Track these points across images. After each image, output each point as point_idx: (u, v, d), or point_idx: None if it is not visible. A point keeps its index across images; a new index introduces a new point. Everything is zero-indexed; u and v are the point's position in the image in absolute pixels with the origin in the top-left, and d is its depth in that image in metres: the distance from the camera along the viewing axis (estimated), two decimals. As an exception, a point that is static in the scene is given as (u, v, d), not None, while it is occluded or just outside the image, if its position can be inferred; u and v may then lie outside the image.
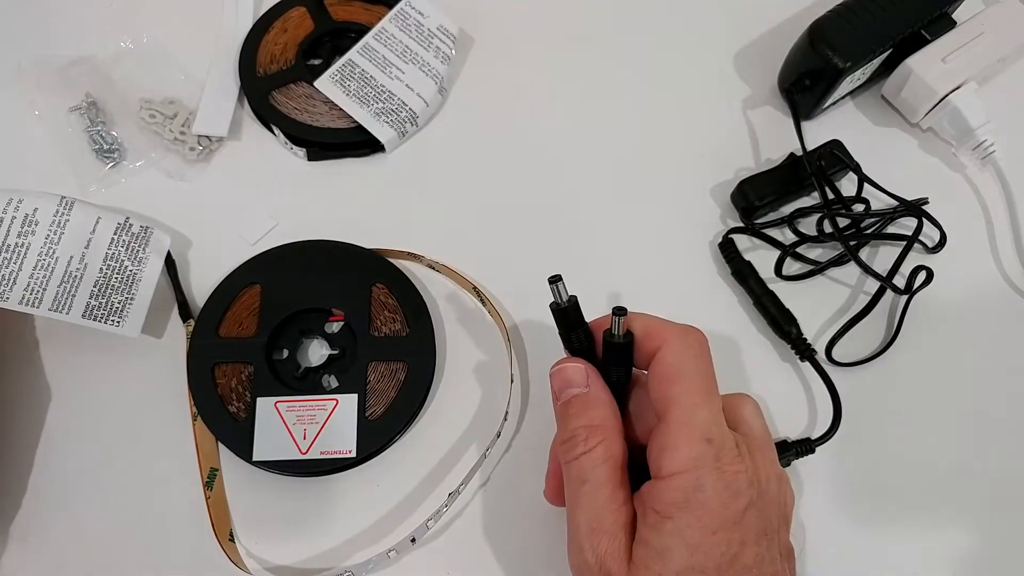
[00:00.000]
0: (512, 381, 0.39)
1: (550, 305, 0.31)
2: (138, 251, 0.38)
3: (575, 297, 0.31)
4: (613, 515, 0.29)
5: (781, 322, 0.40)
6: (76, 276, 0.37)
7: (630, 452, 0.31)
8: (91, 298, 0.37)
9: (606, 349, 0.31)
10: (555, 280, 0.30)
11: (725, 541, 0.27)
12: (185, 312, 0.39)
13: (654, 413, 0.30)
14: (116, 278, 0.37)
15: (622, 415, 0.32)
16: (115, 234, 0.38)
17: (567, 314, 0.31)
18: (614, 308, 0.30)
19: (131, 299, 0.37)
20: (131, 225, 0.39)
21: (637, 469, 0.30)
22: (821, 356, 0.41)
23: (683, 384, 0.29)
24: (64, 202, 0.37)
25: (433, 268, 0.42)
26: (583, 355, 0.32)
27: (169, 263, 0.40)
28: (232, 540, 0.36)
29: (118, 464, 0.37)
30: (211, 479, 0.36)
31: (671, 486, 0.28)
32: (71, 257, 0.37)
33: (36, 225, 0.36)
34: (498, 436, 0.37)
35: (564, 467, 0.31)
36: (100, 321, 0.36)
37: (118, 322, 0.37)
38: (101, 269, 0.37)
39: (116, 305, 0.37)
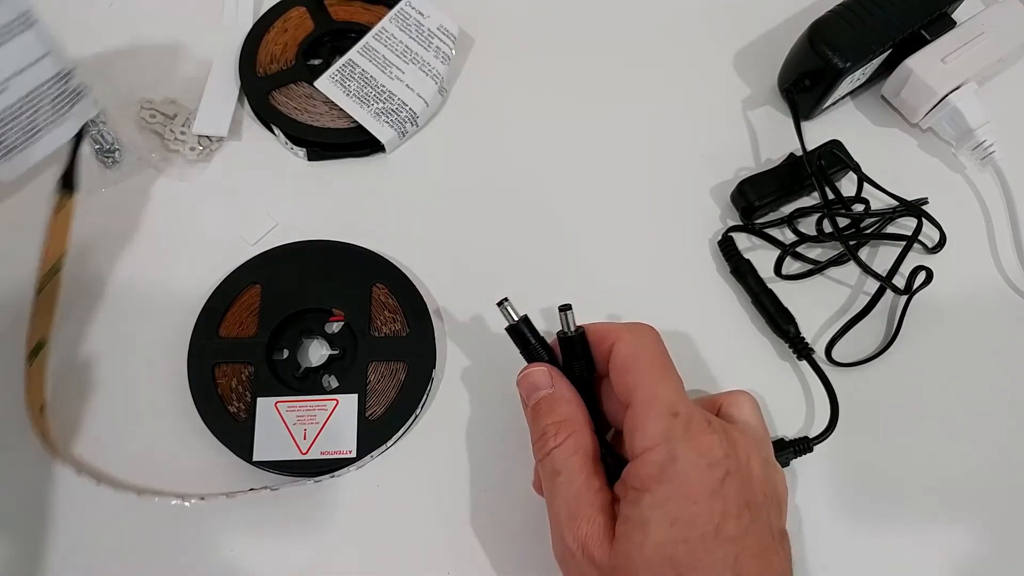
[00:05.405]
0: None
1: (505, 328, 0.33)
2: (62, 107, 0.35)
3: (526, 315, 0.33)
4: (589, 500, 0.30)
5: (779, 321, 0.41)
6: None
7: (608, 450, 0.32)
8: None
9: (563, 346, 0.33)
10: (503, 303, 0.33)
11: (707, 511, 0.28)
12: (67, 181, 0.37)
13: (622, 406, 0.31)
14: (24, 120, 0.34)
15: (596, 415, 0.33)
16: (51, 79, 0.35)
17: (520, 331, 0.33)
18: (560, 306, 0.32)
19: (25, 147, 0.35)
20: (71, 79, 0.35)
21: (617, 467, 0.31)
22: (820, 355, 0.41)
23: (641, 369, 0.30)
24: (26, 17, 0.34)
25: None
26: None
27: (81, 133, 0.37)
28: (42, 414, 0.36)
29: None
30: (36, 351, 0.36)
31: (645, 461, 0.29)
32: None
33: None
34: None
35: (539, 465, 0.32)
36: None
37: None
38: (16, 103, 0.34)
39: (8, 143, 0.34)
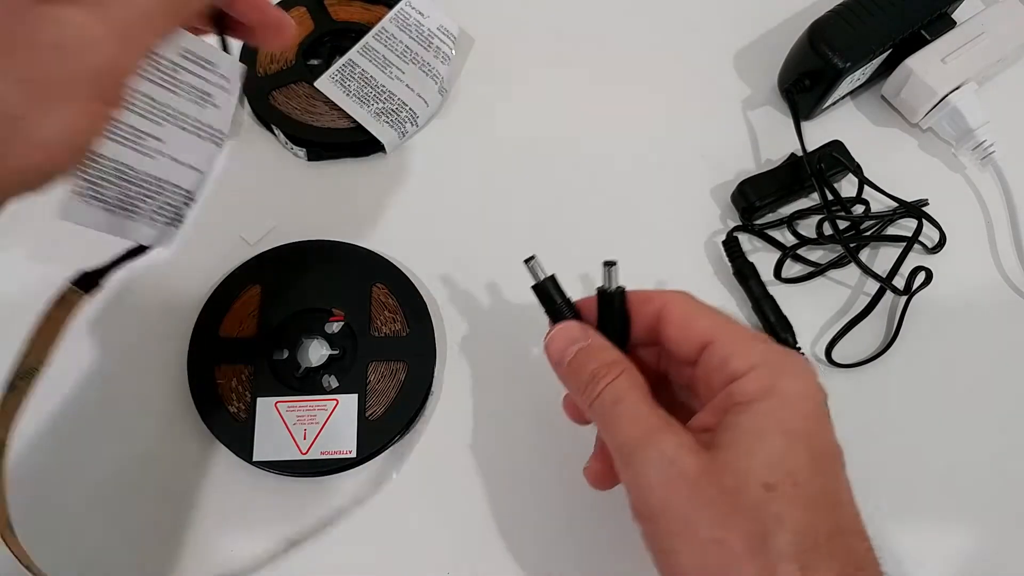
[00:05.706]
0: None
1: (532, 286, 0.32)
2: (156, 218, 0.31)
3: (553, 275, 0.32)
4: (663, 417, 0.27)
5: (778, 328, 0.40)
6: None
7: None
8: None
9: (601, 304, 0.31)
10: (530, 260, 0.31)
11: (819, 429, 0.26)
12: (90, 279, 0.32)
13: (684, 360, 0.30)
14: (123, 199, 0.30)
15: None
16: (180, 191, 0.31)
17: (547, 289, 0.32)
18: (605, 261, 0.31)
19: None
20: (186, 208, 0.32)
21: None
22: (820, 357, 0.41)
23: (710, 315, 0.29)
24: (221, 135, 0.31)
25: None
26: None
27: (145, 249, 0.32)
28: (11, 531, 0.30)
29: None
30: None
31: (751, 377, 0.27)
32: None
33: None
34: None
35: (592, 408, 0.29)
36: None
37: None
38: (137, 184, 0.30)
39: (101, 196, 0.29)
